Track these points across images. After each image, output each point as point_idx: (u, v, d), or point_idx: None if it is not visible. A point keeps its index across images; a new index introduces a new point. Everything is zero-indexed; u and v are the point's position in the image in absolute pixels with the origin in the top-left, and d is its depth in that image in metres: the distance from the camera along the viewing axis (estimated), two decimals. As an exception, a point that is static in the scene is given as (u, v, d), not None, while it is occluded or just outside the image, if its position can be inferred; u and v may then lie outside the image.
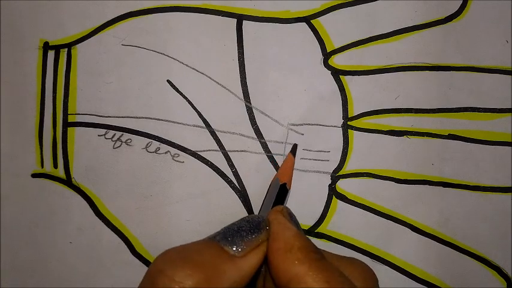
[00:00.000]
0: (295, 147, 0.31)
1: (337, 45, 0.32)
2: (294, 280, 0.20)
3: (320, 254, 0.21)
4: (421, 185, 0.32)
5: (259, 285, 0.24)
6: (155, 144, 0.32)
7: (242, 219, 0.23)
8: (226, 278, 0.20)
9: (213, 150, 0.32)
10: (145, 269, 0.30)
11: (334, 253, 0.24)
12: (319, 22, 0.31)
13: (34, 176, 0.32)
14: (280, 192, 0.28)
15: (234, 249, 0.21)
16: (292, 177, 0.30)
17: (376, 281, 0.23)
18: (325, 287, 0.19)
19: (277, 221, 0.22)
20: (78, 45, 0.32)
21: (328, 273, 0.20)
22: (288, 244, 0.21)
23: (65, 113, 0.32)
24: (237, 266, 0.21)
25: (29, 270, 0.32)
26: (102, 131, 0.32)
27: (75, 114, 0.32)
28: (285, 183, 0.28)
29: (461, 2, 0.31)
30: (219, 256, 0.21)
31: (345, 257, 0.23)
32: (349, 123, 0.32)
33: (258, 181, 0.32)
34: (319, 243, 0.32)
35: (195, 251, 0.21)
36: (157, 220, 0.32)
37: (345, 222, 0.32)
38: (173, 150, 0.32)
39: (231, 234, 0.22)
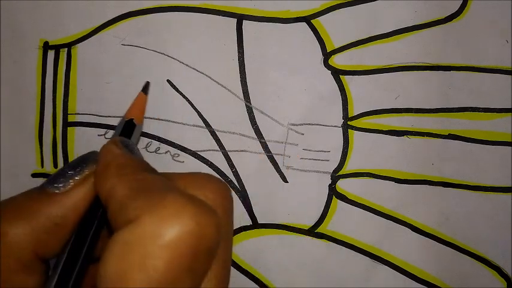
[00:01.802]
0: (147, 84, 0.29)
1: (337, 45, 0.32)
2: (108, 195, 0.19)
3: (140, 168, 0.20)
4: (421, 185, 0.32)
5: None
6: (155, 144, 0.32)
7: (75, 158, 0.22)
8: (43, 214, 0.20)
9: (213, 150, 0.32)
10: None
11: (190, 172, 0.22)
12: (319, 22, 0.31)
13: (34, 176, 0.32)
14: (126, 128, 0.27)
15: (55, 187, 0.21)
16: (144, 115, 0.29)
17: (219, 193, 0.21)
18: (130, 192, 0.18)
19: (104, 148, 0.22)
20: (78, 45, 0.32)
21: (136, 181, 0.19)
22: (105, 164, 0.20)
23: (65, 113, 0.32)
24: (56, 202, 0.20)
25: (28, 270, 0.32)
26: (102, 131, 0.32)
27: (75, 114, 0.32)
28: (131, 119, 0.27)
29: (461, 2, 0.31)
30: (35, 197, 0.20)
31: (195, 172, 0.22)
32: (349, 123, 0.32)
33: (258, 181, 0.32)
34: (319, 243, 0.32)
35: (13, 199, 0.21)
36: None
37: (345, 222, 0.32)
38: (173, 150, 0.32)
39: (54, 175, 0.21)
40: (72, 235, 0.21)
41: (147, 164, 0.21)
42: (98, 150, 0.22)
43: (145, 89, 0.29)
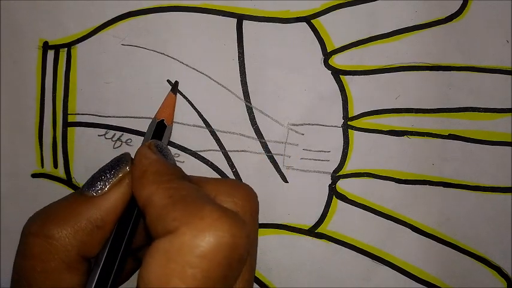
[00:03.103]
0: (176, 84, 0.30)
1: (337, 45, 0.32)
2: (146, 202, 0.20)
3: (175, 176, 0.21)
4: (422, 185, 0.32)
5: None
6: (155, 144, 0.32)
7: (109, 162, 0.24)
8: (84, 217, 0.21)
9: (213, 150, 0.32)
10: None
11: (218, 178, 0.24)
12: (320, 22, 0.31)
13: (34, 176, 0.32)
14: (158, 129, 0.28)
15: (93, 190, 0.22)
16: (174, 115, 0.30)
17: (248, 200, 0.22)
18: (168, 201, 0.19)
19: (139, 153, 0.23)
20: (78, 45, 0.32)
21: (173, 190, 0.20)
22: (143, 170, 0.22)
23: (65, 113, 0.32)
24: (95, 204, 0.22)
25: (28, 270, 0.32)
26: (102, 131, 0.32)
27: (75, 114, 0.32)
28: (162, 120, 0.28)
29: (461, 2, 0.31)
30: (75, 201, 0.22)
31: (223, 179, 0.24)
32: (349, 123, 0.32)
33: (258, 181, 0.32)
34: (319, 243, 0.32)
35: (54, 204, 0.22)
36: (157, 220, 0.32)
37: (345, 222, 0.32)
38: (173, 150, 0.32)
39: (91, 179, 0.23)
40: (111, 234, 0.22)
41: (180, 170, 0.23)
42: (129, 152, 0.24)
43: (174, 89, 0.30)
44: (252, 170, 0.32)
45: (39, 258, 0.21)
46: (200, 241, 0.18)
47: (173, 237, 0.18)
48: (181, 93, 0.32)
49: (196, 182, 0.22)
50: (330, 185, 0.32)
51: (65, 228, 0.21)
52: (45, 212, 0.22)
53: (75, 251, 0.21)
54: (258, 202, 0.23)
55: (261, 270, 0.32)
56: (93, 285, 0.21)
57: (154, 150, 0.24)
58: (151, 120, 0.29)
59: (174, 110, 0.30)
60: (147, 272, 0.18)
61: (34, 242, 0.21)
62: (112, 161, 0.24)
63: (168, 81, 0.31)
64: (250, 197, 0.22)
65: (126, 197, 0.22)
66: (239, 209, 0.21)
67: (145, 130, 0.32)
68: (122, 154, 0.24)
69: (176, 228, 0.18)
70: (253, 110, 0.32)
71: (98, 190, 0.22)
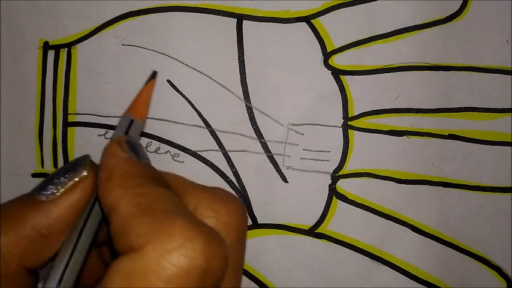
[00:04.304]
0: (154, 74, 0.26)
1: (337, 45, 0.32)
2: (111, 208, 0.18)
3: (147, 179, 0.18)
4: (422, 185, 0.32)
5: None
6: (155, 144, 0.32)
7: (65, 164, 0.21)
8: (29, 224, 0.19)
9: (213, 150, 0.32)
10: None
11: (203, 185, 0.20)
12: (320, 22, 0.31)
13: (34, 175, 0.32)
14: (129, 126, 0.24)
15: (43, 194, 0.19)
16: (148, 110, 0.25)
17: (234, 215, 0.19)
18: (134, 210, 0.17)
19: (107, 151, 0.20)
20: (78, 45, 0.32)
21: (142, 197, 0.17)
22: (109, 171, 0.19)
23: (65, 113, 0.32)
24: (42, 210, 0.19)
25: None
26: (102, 130, 0.32)
27: (75, 114, 0.32)
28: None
29: (461, 2, 0.31)
30: (21, 206, 0.19)
31: (207, 187, 0.20)
32: (349, 123, 0.32)
33: (258, 181, 0.32)
34: (319, 243, 0.32)
35: (1, 207, 0.20)
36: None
37: (345, 222, 0.32)
38: (173, 150, 0.32)
39: (43, 182, 0.20)
40: (62, 244, 0.20)
41: (154, 171, 0.20)
42: (89, 154, 0.21)
43: (152, 78, 0.26)
44: (252, 170, 0.32)
45: None
46: (167, 263, 0.15)
47: (137, 256, 0.16)
48: (181, 93, 0.32)
49: (175, 187, 0.19)
50: (330, 185, 0.32)
51: (6, 235, 0.19)
52: None
53: (16, 261, 0.19)
54: (247, 217, 0.20)
55: (261, 270, 0.32)
56: None
57: (125, 147, 0.20)
58: (150, 120, 0.29)
59: (149, 104, 0.25)
60: None
61: None
62: (69, 163, 0.21)
63: (169, 81, 0.32)
64: (236, 212, 0.19)
65: (81, 205, 0.20)
66: (221, 226, 0.18)
67: (145, 130, 0.32)
68: (82, 156, 0.21)
69: (140, 245, 0.16)
70: (253, 110, 0.32)
71: (49, 194, 0.19)
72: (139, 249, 0.16)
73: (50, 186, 0.20)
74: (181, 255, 0.16)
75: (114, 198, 0.18)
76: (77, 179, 0.20)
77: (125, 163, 0.19)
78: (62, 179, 0.20)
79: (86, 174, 0.20)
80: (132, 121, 0.24)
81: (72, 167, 0.20)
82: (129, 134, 0.23)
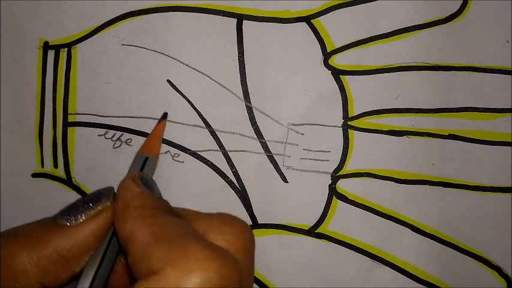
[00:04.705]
0: (165, 115, 0.29)
1: (337, 45, 0.32)
2: (128, 238, 0.19)
3: (160, 210, 0.20)
4: (422, 185, 0.32)
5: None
6: (155, 144, 0.32)
7: (91, 192, 0.23)
8: (51, 245, 0.20)
9: (213, 150, 0.32)
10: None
11: (209, 212, 0.22)
12: (320, 22, 0.31)
13: (34, 175, 0.32)
14: (143, 163, 0.27)
15: (66, 219, 0.21)
16: (160, 146, 0.29)
17: (241, 237, 0.21)
18: (151, 238, 0.18)
19: (122, 186, 0.22)
20: (78, 45, 0.32)
21: (158, 226, 0.19)
22: (125, 204, 0.21)
23: (65, 113, 0.32)
24: (66, 234, 0.21)
25: (28, 270, 0.32)
26: (102, 130, 0.32)
27: (75, 114, 0.32)
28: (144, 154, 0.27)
29: (461, 2, 0.31)
30: (46, 228, 0.21)
31: (216, 213, 0.22)
32: (349, 123, 0.32)
33: (258, 181, 0.32)
34: (319, 243, 0.32)
35: (24, 227, 0.21)
36: (157, 220, 0.32)
37: (345, 222, 0.32)
38: (173, 150, 0.32)
39: (68, 207, 0.22)
40: (83, 268, 0.21)
41: (166, 203, 0.21)
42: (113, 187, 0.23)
43: (163, 118, 0.29)
44: (252, 170, 0.32)
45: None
46: (186, 283, 0.17)
47: (157, 278, 0.17)
48: (181, 93, 0.32)
49: (185, 217, 0.21)
50: (330, 185, 0.32)
51: (28, 254, 0.20)
52: (11, 232, 0.21)
53: (36, 279, 0.20)
54: (254, 238, 0.21)
55: (261, 270, 0.32)
56: None
57: (139, 183, 0.22)
58: (150, 120, 0.29)
59: (161, 141, 0.29)
60: None
61: None
62: (94, 192, 0.22)
63: (169, 81, 0.32)
64: (243, 233, 0.21)
65: (101, 232, 0.21)
66: (230, 247, 0.20)
67: (145, 130, 0.32)
68: (105, 188, 0.23)
69: (160, 268, 0.17)
70: (253, 110, 0.32)
71: (72, 220, 0.21)
72: (159, 271, 0.17)
73: (74, 212, 0.21)
74: (198, 274, 0.17)
75: (131, 229, 0.19)
76: (100, 208, 0.21)
77: (139, 196, 0.21)
78: (86, 206, 0.21)
79: (109, 204, 0.22)
80: (146, 158, 0.26)
81: (97, 196, 0.22)
82: (144, 171, 0.25)
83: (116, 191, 0.23)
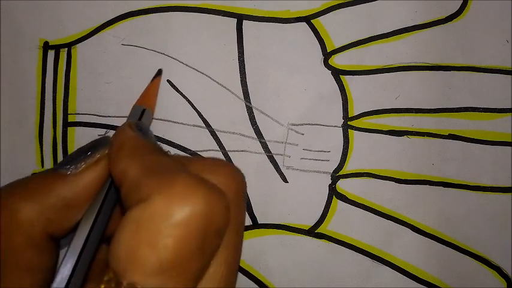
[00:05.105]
0: (160, 71, 0.30)
1: (337, 45, 0.32)
2: (121, 176, 0.19)
3: (153, 150, 0.21)
4: (422, 185, 0.32)
5: None
6: (155, 144, 0.32)
7: (88, 143, 0.23)
8: (54, 194, 0.21)
9: (213, 150, 0.32)
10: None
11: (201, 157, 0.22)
12: (320, 22, 0.31)
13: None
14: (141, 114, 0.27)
15: (67, 168, 0.21)
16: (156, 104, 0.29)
17: (232, 178, 0.21)
18: (142, 172, 0.19)
19: (119, 131, 0.22)
20: (78, 45, 0.32)
21: (149, 161, 0.19)
22: (119, 145, 0.21)
23: (65, 113, 0.32)
24: (67, 182, 0.21)
25: (28, 270, 0.32)
26: (102, 130, 0.32)
27: (75, 114, 0.32)
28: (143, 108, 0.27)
29: (461, 2, 0.31)
30: (48, 178, 0.21)
31: (207, 157, 0.22)
32: (349, 123, 0.32)
33: (258, 181, 0.32)
34: (319, 243, 0.32)
35: (26, 179, 0.22)
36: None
37: (345, 222, 0.32)
38: (173, 150, 0.32)
39: (67, 158, 0.22)
40: (83, 215, 0.21)
41: (161, 147, 0.22)
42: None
43: (158, 74, 0.30)
44: (252, 170, 0.32)
45: (3, 233, 0.20)
46: (173, 209, 0.17)
47: (145, 205, 0.17)
48: (181, 93, 0.32)
49: (178, 159, 0.21)
50: (330, 185, 0.32)
51: (32, 203, 0.20)
52: (13, 185, 0.21)
53: (41, 227, 0.20)
54: (245, 182, 0.22)
55: (261, 270, 0.32)
56: (69, 273, 0.20)
57: (134, 128, 0.23)
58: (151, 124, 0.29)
59: (157, 96, 0.29)
60: (116, 241, 0.17)
61: (2, 215, 0.20)
62: (90, 142, 0.23)
63: (169, 81, 0.32)
64: (234, 175, 0.21)
65: (101, 179, 0.22)
66: (221, 187, 0.19)
67: (145, 130, 0.32)
68: (102, 136, 0.23)
69: (148, 196, 0.17)
70: (253, 110, 0.32)
71: (72, 168, 0.21)
72: (147, 199, 0.18)
73: (74, 161, 0.21)
74: (184, 201, 0.17)
75: (124, 167, 0.19)
76: (98, 155, 0.22)
77: (134, 138, 0.21)
78: (85, 155, 0.22)
79: (107, 152, 0.22)
80: (143, 110, 0.26)
81: (94, 145, 0.22)
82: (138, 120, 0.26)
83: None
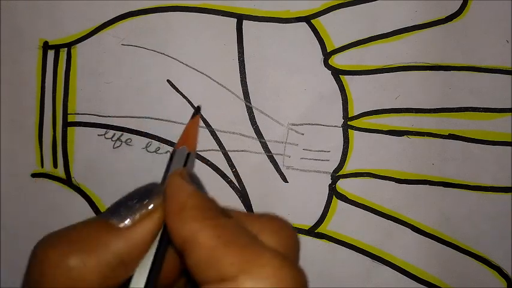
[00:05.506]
0: (198, 108, 0.27)
1: (337, 45, 0.32)
2: (187, 240, 0.18)
3: (217, 211, 0.20)
4: (422, 185, 0.32)
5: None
6: (155, 144, 0.32)
7: (135, 190, 0.21)
8: (110, 250, 0.19)
9: (213, 150, 0.32)
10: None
11: (254, 213, 0.22)
12: (320, 22, 0.31)
13: (34, 175, 0.32)
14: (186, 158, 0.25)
15: (119, 220, 0.20)
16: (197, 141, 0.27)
17: (292, 239, 0.21)
18: (218, 242, 0.18)
19: (172, 183, 0.21)
20: (78, 45, 0.32)
21: (221, 229, 0.18)
22: (181, 204, 0.19)
23: (65, 113, 0.32)
24: (123, 237, 0.19)
25: (28, 270, 0.32)
26: (102, 130, 0.32)
27: (75, 114, 0.32)
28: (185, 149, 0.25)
29: (461, 2, 0.31)
30: (100, 230, 0.19)
31: (262, 214, 0.21)
32: (349, 123, 0.32)
33: (258, 181, 0.32)
34: (319, 243, 0.32)
35: (75, 229, 0.20)
36: (157, 220, 0.32)
37: (345, 222, 0.32)
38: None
39: (117, 206, 0.20)
40: (135, 270, 0.20)
41: (218, 203, 0.21)
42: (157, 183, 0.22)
43: (197, 112, 0.27)
44: (252, 170, 0.32)
45: None
46: None
47: (231, 285, 0.17)
48: (181, 93, 0.32)
49: (235, 217, 0.20)
50: (330, 185, 0.32)
51: (89, 260, 0.18)
52: (65, 236, 0.19)
53: (95, 286, 0.19)
54: (299, 241, 0.21)
55: (261, 270, 0.32)
56: None
57: (189, 180, 0.21)
58: (150, 120, 0.29)
59: (198, 137, 0.27)
60: None
61: (54, 274, 0.18)
62: (140, 189, 0.21)
63: (169, 81, 0.32)
64: (293, 235, 0.21)
65: (155, 232, 0.20)
66: (283, 249, 0.19)
67: (145, 130, 0.32)
68: (150, 183, 0.21)
69: (235, 275, 0.17)
70: (253, 110, 0.32)
71: (126, 220, 0.20)
72: (233, 279, 0.17)
73: (126, 212, 0.20)
74: (274, 283, 0.17)
75: (191, 231, 0.18)
76: (152, 206, 0.20)
77: (195, 195, 0.20)
78: (138, 205, 0.20)
79: (159, 202, 0.20)
80: (188, 154, 0.24)
81: (146, 193, 0.20)
82: (186, 167, 0.24)
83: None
